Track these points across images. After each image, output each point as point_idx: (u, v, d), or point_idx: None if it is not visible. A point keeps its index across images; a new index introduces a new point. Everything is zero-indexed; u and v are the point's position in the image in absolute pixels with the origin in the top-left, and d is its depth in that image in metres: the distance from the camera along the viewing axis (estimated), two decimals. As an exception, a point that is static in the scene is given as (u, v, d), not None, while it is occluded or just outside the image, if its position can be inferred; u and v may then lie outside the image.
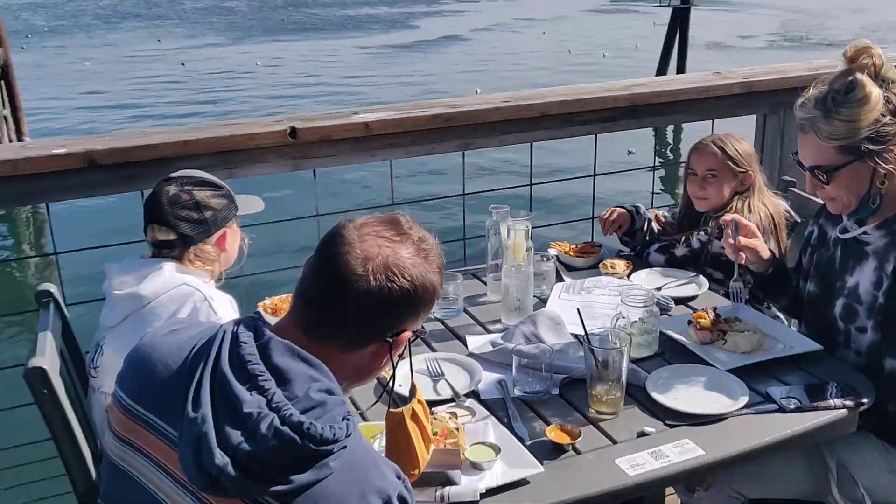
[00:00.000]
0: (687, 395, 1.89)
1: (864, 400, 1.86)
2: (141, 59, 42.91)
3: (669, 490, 2.30)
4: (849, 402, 1.84)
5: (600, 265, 2.64)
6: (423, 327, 1.44)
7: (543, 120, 2.73)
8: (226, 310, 2.04)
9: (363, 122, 2.47)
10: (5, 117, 22.80)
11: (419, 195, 8.01)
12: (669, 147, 18.73)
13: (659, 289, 2.49)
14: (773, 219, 2.70)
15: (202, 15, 70.88)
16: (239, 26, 58.97)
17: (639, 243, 2.88)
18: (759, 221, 2.59)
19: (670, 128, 18.52)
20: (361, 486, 1.18)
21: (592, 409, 1.84)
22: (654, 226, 2.92)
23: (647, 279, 2.59)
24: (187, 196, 2.04)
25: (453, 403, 1.90)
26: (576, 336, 2.13)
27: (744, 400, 1.85)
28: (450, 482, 1.60)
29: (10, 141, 22.81)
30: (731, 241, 2.21)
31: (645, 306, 2.09)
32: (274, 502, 1.13)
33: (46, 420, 1.86)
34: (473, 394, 1.95)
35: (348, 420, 1.19)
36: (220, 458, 1.11)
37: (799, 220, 2.72)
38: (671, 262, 2.73)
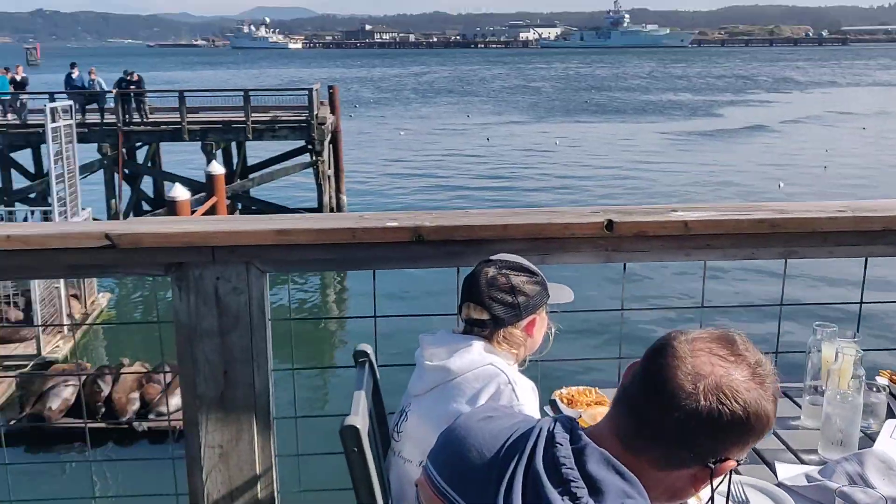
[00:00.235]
0: None
1: None
2: (450, 132, 46.06)
3: None
4: None
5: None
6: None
7: (885, 234, 2.47)
8: (528, 396, 2.05)
9: (682, 221, 2.39)
10: (329, 176, 25.54)
11: (731, 298, 7.65)
12: None
13: None
14: None
15: (509, 94, 74.85)
16: (542, 106, 61.37)
17: None
18: None
19: None
20: None
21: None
22: None
23: None
24: (504, 280, 2.11)
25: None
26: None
27: None
28: None
29: (330, 197, 25.48)
30: None
31: None
32: None
33: (352, 476, 1.97)
34: (782, 531, 1.76)
35: None
36: None
37: None
38: None
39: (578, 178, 30.73)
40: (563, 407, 2.30)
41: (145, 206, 26.51)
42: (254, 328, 2.33)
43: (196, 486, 2.42)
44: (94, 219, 18.88)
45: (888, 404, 2.30)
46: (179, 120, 23.99)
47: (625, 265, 2.56)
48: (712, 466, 1.26)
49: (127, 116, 24.15)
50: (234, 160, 27.35)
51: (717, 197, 25.34)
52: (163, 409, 12.56)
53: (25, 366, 14.49)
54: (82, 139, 20.80)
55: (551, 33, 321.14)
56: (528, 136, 43.02)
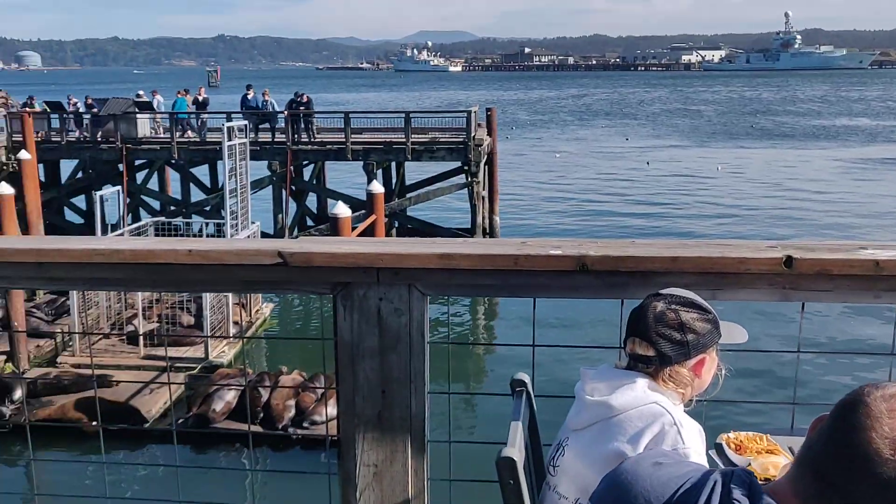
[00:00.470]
0: None
1: None
2: (607, 155, 45.41)
3: None
4: None
5: None
6: None
7: None
8: (694, 439, 1.94)
9: (873, 260, 2.20)
10: (484, 197, 25.77)
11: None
12: None
13: None
14: None
15: (669, 117, 73.05)
16: (703, 130, 59.47)
17: None
18: None
19: None
20: None
21: None
22: None
23: None
24: (673, 315, 2.01)
25: None
26: None
27: None
28: None
29: (484, 218, 25.68)
30: None
31: None
32: None
33: (506, 509, 1.93)
34: None
35: None
36: None
37: None
38: None
39: (744, 206, 29.44)
40: (730, 453, 2.15)
41: (309, 222, 27.75)
42: (413, 350, 2.34)
43: (350, 502, 2.45)
44: (263, 232, 19.93)
45: None
46: (344, 140, 25.00)
47: (803, 304, 2.38)
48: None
49: (296, 136, 25.41)
50: (393, 179, 28.15)
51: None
52: (316, 417, 13.02)
53: (194, 368, 15.46)
54: (254, 156, 22.07)
55: (715, 55, 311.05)
56: (688, 160, 41.74)
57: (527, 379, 2.35)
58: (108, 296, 17.04)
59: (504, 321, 19.41)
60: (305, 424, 12.92)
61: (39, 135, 25.80)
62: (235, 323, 17.03)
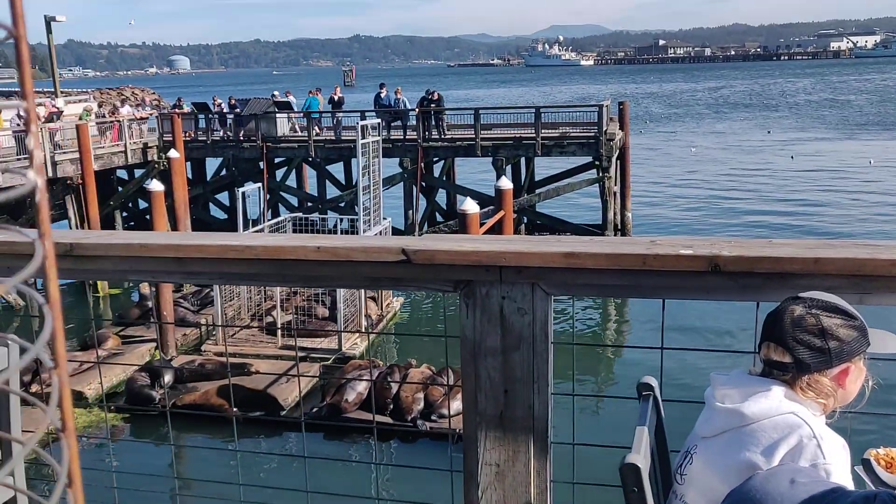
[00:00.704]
0: None
1: None
2: (746, 149, 43.59)
3: None
4: None
5: None
6: None
7: None
8: (836, 454, 1.81)
9: None
10: (615, 193, 25.29)
11: None
12: None
13: None
14: None
15: (815, 108, 69.38)
16: (853, 121, 56.10)
17: None
18: None
19: None
20: None
21: None
22: None
23: None
24: (814, 320, 1.88)
25: None
26: None
27: None
28: None
29: (615, 214, 25.21)
30: None
31: None
32: None
33: (630, 516, 1.87)
34: None
35: None
36: None
37: None
38: None
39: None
40: (879, 470, 1.99)
41: (438, 218, 28.09)
42: (536, 349, 2.30)
43: (472, 500, 2.44)
44: (394, 227, 20.33)
45: None
46: (474, 136, 25.13)
47: (965, 311, 2.18)
48: None
49: (427, 133, 25.76)
50: (523, 175, 28.06)
51: None
52: (445, 411, 13.16)
53: (328, 359, 15.96)
54: (387, 154, 22.54)
55: (868, 41, 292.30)
56: (837, 154, 39.43)
57: (654, 383, 2.27)
58: (249, 288, 17.84)
59: (631, 323, 18.98)
60: (434, 418, 13.09)
61: (187, 134, 27.32)
62: (367, 316, 17.45)
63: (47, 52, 36.94)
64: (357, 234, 17.30)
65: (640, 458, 1.87)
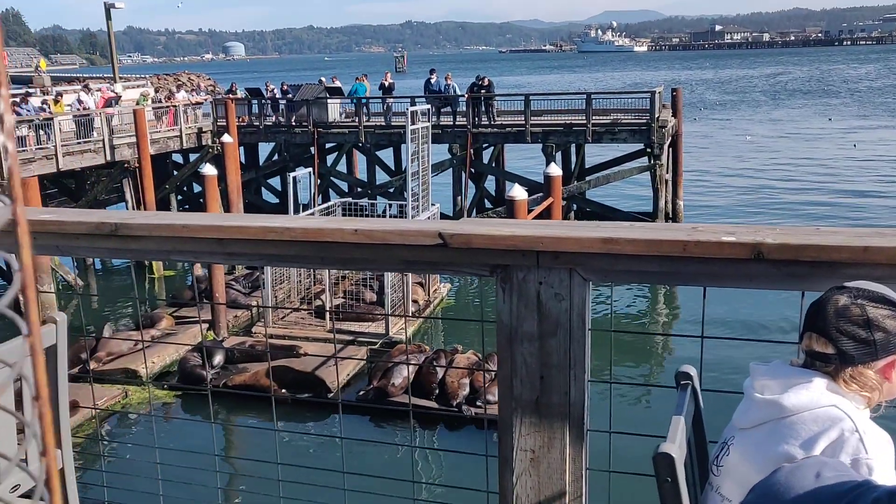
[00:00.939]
0: None
1: None
2: (805, 137, 42.56)
3: None
4: None
5: None
6: None
7: None
8: (880, 450, 1.75)
9: None
10: (667, 181, 24.91)
11: None
12: None
13: None
14: None
15: (879, 95, 67.33)
16: (918, 109, 54.20)
17: None
18: None
19: None
20: None
21: None
22: None
23: None
24: (858, 311, 1.82)
25: None
26: None
27: None
28: None
29: (667, 202, 24.83)
30: None
31: None
32: None
33: (663, 506, 1.84)
34: None
35: None
36: None
37: None
38: None
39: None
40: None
41: (487, 204, 28.02)
42: (573, 336, 2.28)
43: (506, 486, 2.44)
44: (442, 213, 20.35)
45: None
46: (523, 122, 24.97)
47: None
48: None
49: (476, 119, 25.67)
50: (573, 162, 27.81)
51: None
52: (490, 397, 13.17)
53: (375, 343, 16.08)
54: (436, 139, 22.54)
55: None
56: (899, 142, 38.18)
57: (693, 372, 2.23)
58: (299, 272, 18.06)
59: (671, 311, 18.70)
60: (479, 403, 13.11)
61: (241, 119, 27.68)
62: (414, 301, 17.53)
63: (107, 39, 37.75)
64: (406, 219, 17.37)
65: (675, 447, 1.84)
